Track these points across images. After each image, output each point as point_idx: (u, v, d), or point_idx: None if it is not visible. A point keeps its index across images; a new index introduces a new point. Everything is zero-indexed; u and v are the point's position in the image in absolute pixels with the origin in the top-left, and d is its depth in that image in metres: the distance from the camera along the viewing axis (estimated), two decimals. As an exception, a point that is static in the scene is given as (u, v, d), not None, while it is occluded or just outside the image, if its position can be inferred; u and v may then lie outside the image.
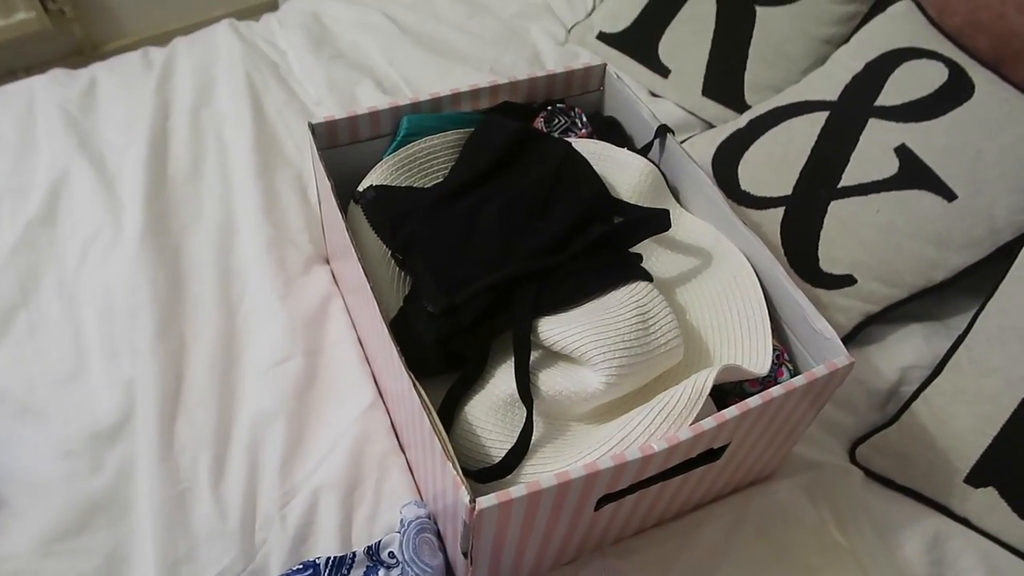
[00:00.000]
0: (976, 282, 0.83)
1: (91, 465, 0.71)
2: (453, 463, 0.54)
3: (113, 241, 0.87)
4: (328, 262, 0.91)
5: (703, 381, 0.60)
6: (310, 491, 0.70)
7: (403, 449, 0.75)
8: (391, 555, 0.67)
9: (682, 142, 0.81)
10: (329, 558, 0.66)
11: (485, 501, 0.52)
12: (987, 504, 0.72)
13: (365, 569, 0.66)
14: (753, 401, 0.59)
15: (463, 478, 0.53)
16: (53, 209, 0.90)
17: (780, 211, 0.90)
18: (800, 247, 0.88)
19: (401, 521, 0.67)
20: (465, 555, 0.59)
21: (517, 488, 0.53)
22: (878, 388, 0.83)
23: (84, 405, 0.75)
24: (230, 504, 0.69)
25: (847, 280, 0.85)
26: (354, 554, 0.67)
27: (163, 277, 0.84)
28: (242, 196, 0.92)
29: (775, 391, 0.59)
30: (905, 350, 0.85)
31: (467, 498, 0.52)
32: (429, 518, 0.68)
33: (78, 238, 0.88)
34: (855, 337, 0.86)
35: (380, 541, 0.67)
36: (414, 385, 0.58)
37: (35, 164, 0.95)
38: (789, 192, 0.90)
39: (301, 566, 0.66)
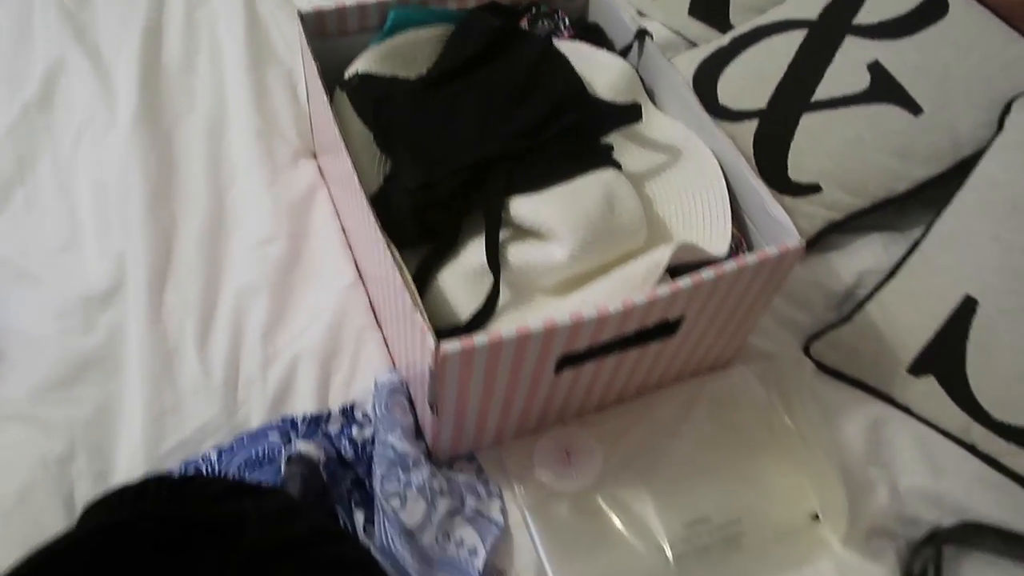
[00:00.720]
0: (937, 196, 0.86)
1: (84, 325, 0.75)
2: (420, 312, 0.58)
3: (107, 125, 0.90)
4: (315, 157, 0.94)
5: (660, 255, 0.63)
6: (290, 357, 0.75)
7: (380, 327, 0.79)
8: (364, 415, 0.72)
9: (666, 59, 0.83)
10: (306, 415, 0.71)
11: (449, 346, 0.56)
12: (926, 392, 0.77)
13: (340, 426, 0.71)
14: (706, 273, 0.62)
15: (429, 325, 0.57)
16: (50, 95, 0.93)
17: (754, 123, 0.93)
18: (771, 157, 0.91)
19: (375, 384, 0.72)
20: (432, 407, 0.63)
21: (479, 337, 0.57)
22: (835, 290, 0.87)
23: (77, 273, 0.79)
24: (214, 365, 0.74)
25: (813, 188, 0.89)
26: (330, 412, 0.71)
27: (155, 160, 0.87)
28: (233, 90, 0.95)
29: (727, 266, 0.63)
30: (864, 256, 0.89)
31: (432, 343, 0.56)
32: (401, 384, 0.72)
33: (73, 122, 0.91)
34: (817, 243, 0.90)
35: (354, 402, 0.72)
36: (388, 246, 0.62)
37: (32, 52, 0.97)
38: (764, 105, 0.93)
39: (280, 421, 0.70)
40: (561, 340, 0.60)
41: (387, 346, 0.78)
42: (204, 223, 0.83)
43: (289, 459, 0.64)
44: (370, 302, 0.81)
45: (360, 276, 0.82)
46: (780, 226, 0.69)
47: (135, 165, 0.86)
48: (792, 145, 0.90)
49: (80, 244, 0.81)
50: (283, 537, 0.60)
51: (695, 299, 0.64)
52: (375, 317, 0.80)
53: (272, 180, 0.87)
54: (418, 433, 0.72)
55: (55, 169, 0.87)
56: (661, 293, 0.61)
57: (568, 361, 0.65)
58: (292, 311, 0.78)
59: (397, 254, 0.62)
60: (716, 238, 0.71)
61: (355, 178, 0.67)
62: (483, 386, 0.62)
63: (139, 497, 0.58)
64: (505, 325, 0.66)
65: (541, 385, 0.66)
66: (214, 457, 0.67)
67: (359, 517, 0.66)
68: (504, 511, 0.70)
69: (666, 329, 0.67)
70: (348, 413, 0.71)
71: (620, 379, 0.72)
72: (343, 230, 0.86)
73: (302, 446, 0.64)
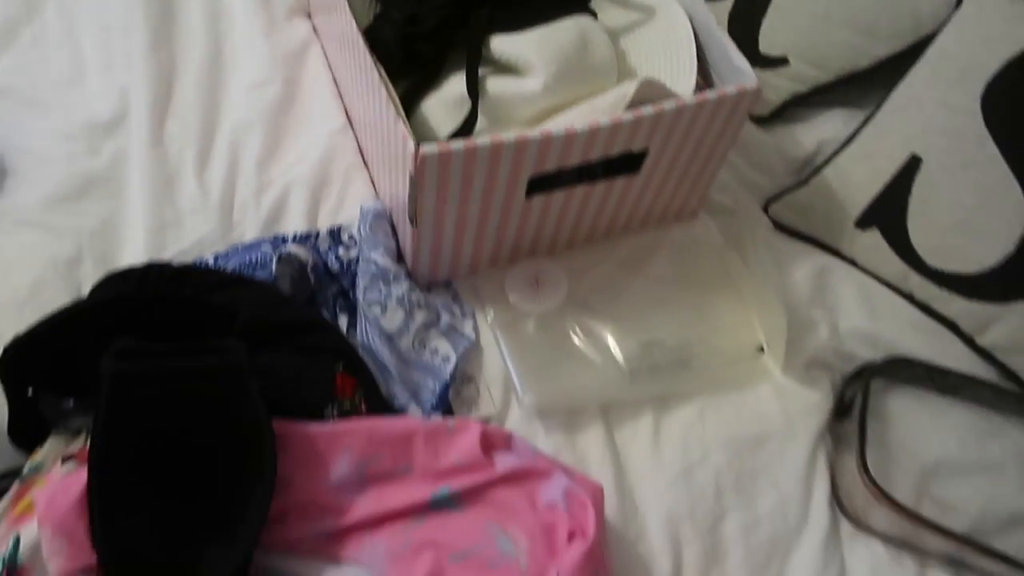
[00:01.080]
0: (897, 74, 0.91)
1: (89, 149, 0.80)
2: (403, 121, 0.64)
3: (109, -25, 0.94)
4: (310, 18, 0.98)
5: (627, 87, 0.69)
6: (283, 185, 0.81)
7: (367, 168, 0.85)
8: (350, 237, 0.77)
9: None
10: (296, 233, 0.76)
11: (428, 148, 0.62)
12: (871, 245, 0.83)
13: (328, 245, 0.77)
14: (668, 104, 0.68)
15: (410, 132, 0.63)
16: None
17: (730, 2, 0.98)
18: (743, 32, 0.95)
19: (360, 210, 0.78)
20: (412, 220, 0.69)
21: (455, 142, 0.62)
22: (796, 156, 0.93)
23: (82, 103, 0.84)
24: (212, 188, 0.79)
25: (781, 61, 0.94)
26: (318, 232, 0.77)
27: (156, 8, 0.91)
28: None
29: (688, 99, 0.69)
30: (825, 129, 0.95)
31: (412, 146, 0.62)
32: (385, 212, 0.78)
33: (77, -30, 0.95)
34: (782, 114, 0.96)
35: (341, 225, 0.78)
36: (375, 65, 0.67)
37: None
38: (741, -14, 0.97)
39: (273, 237, 0.76)
40: (532, 155, 0.66)
41: (373, 186, 0.83)
42: (202, 65, 0.88)
43: (280, 258, 0.70)
44: (359, 147, 0.86)
45: (350, 124, 0.87)
46: (741, 73, 0.74)
47: (136, 11, 0.90)
48: (764, 21, 0.94)
49: (84, 78, 0.86)
50: (273, 323, 0.66)
51: (657, 130, 0.70)
52: (363, 160, 0.85)
53: (268, 31, 0.92)
54: (399, 259, 0.78)
55: (60, 11, 0.91)
56: (625, 117, 0.66)
57: (539, 186, 0.71)
58: (285, 147, 0.84)
59: (384, 73, 0.67)
60: (682, 83, 0.76)
61: (347, 9, 0.71)
62: (459, 200, 0.68)
63: (143, 279, 0.64)
64: (482, 148, 0.72)
65: (513, 209, 0.72)
66: (210, 261, 0.73)
67: (342, 320, 0.73)
68: (476, 329, 0.76)
69: (631, 162, 0.73)
70: (335, 234, 0.77)
71: (588, 215, 0.78)
72: (335, 82, 0.91)
73: (292, 247, 0.70)
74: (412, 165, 0.63)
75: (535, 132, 0.64)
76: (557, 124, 0.67)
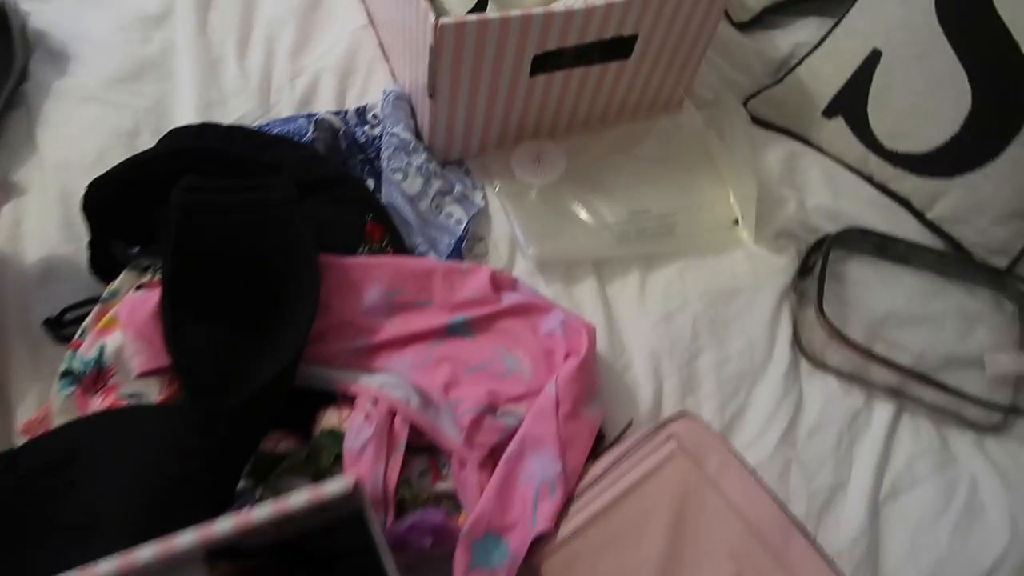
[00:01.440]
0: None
1: (142, 38, 0.90)
2: (425, -4, 0.74)
3: None
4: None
5: (618, -22, 0.79)
6: (313, 72, 0.91)
7: (388, 61, 0.94)
8: (374, 117, 0.88)
9: None
10: (326, 111, 0.87)
11: (446, 20, 0.72)
12: (835, 132, 0.94)
13: (355, 122, 0.87)
14: (653, -8, 0.78)
15: (430, 4, 0.73)
16: None
17: (717, -81, 1.07)
18: (728, -54, 1.05)
19: (383, 92, 0.88)
20: (430, 94, 0.79)
21: (470, 16, 0.72)
22: (773, 58, 1.03)
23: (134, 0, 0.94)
24: (251, 73, 0.90)
25: (762, -28, 1.03)
26: (347, 111, 0.87)
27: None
28: None
29: (672, -13, 0.79)
30: (801, 34, 1.04)
31: (432, 18, 0.72)
32: (405, 94, 0.88)
33: None
34: (762, 20, 1.05)
35: (367, 105, 0.88)
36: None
37: None
38: (727, -95, 1.06)
39: (307, 113, 0.86)
40: (535, 31, 0.76)
41: (393, 77, 0.93)
42: (238, -32, 0.98)
43: (314, 123, 0.80)
44: (379, 44, 0.96)
45: (371, 23, 0.97)
46: (720, -32, 0.84)
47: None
48: (747, -67, 1.04)
49: (134, -22, 0.96)
50: (312, 177, 0.76)
51: (645, 14, 0.80)
52: (383, 55, 0.95)
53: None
54: (418, 137, 0.88)
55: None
56: (617, 0, 0.76)
57: (541, 66, 0.81)
58: (314, 41, 0.94)
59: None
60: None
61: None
62: (472, 73, 0.78)
63: (200, 133, 0.74)
64: (492, 31, 0.82)
65: (519, 85, 0.82)
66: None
67: (369, 184, 0.83)
68: (485, 198, 0.87)
69: (623, 47, 0.83)
70: (361, 113, 0.87)
71: (585, 98, 0.88)
72: (357, -12, 1.01)
73: (325, 115, 0.80)
74: (432, 36, 0.73)
75: (539, 9, 0.74)
76: (558, 5, 0.77)
